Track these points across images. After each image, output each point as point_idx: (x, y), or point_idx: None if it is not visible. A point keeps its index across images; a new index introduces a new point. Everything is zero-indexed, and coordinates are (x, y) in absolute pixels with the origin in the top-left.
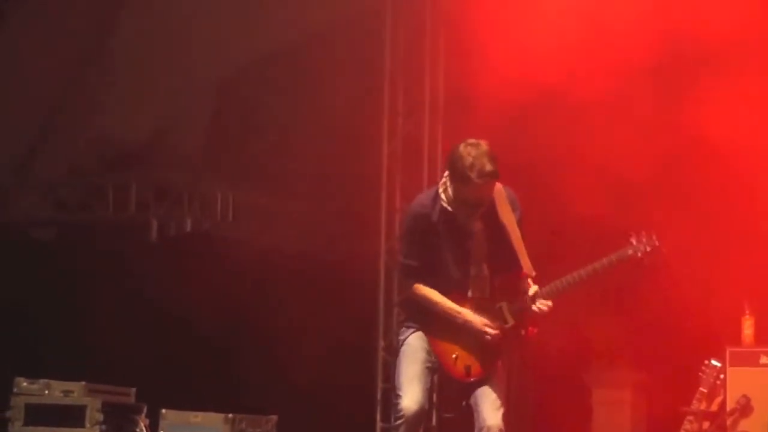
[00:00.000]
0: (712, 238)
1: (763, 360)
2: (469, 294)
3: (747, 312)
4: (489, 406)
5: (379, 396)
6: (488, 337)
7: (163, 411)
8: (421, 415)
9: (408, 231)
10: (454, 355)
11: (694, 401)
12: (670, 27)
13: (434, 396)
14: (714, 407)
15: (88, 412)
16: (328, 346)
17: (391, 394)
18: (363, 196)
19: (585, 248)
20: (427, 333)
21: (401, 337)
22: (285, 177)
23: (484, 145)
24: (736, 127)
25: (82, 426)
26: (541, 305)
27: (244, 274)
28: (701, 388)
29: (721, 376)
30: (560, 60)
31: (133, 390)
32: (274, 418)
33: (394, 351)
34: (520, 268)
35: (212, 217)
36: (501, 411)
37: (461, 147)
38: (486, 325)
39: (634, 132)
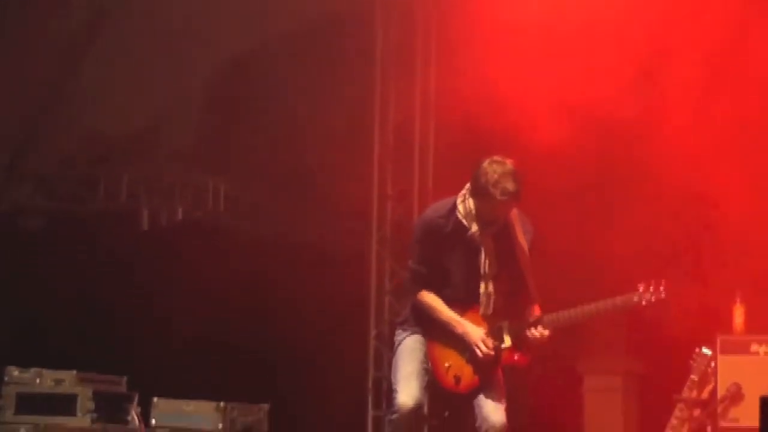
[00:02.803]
0: (703, 227)
1: (754, 348)
2: (473, 309)
3: (738, 300)
4: (491, 405)
5: (370, 384)
6: (479, 353)
7: (155, 399)
8: (417, 411)
9: (420, 237)
10: (447, 364)
11: (685, 389)
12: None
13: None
14: (705, 395)
15: (79, 401)
16: (320, 335)
17: (383, 382)
18: (354, 186)
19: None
20: (424, 336)
21: (398, 338)
22: (276, 167)
23: (509, 164)
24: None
25: (74, 415)
26: (539, 333)
27: (236, 263)
28: (692, 376)
29: (712, 364)
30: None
31: (125, 379)
32: (266, 406)
33: (385, 339)
34: (527, 293)
35: (203, 206)
36: (503, 408)
37: (486, 163)
38: (482, 340)
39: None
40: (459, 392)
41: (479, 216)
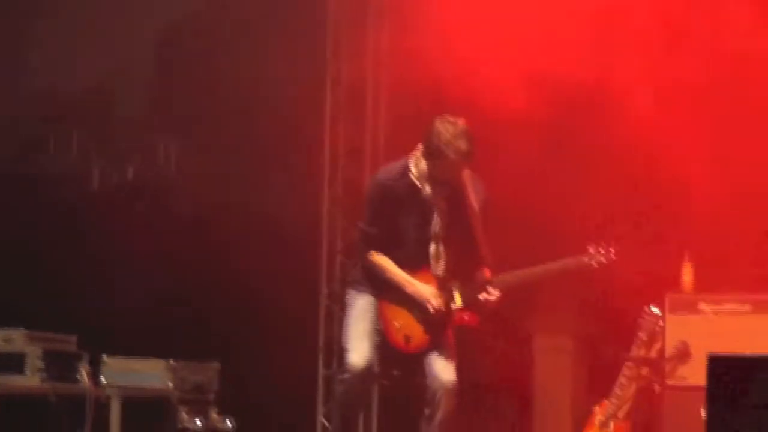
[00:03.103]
0: (653, 188)
1: (702, 307)
2: (424, 270)
3: (687, 260)
4: (441, 363)
5: (321, 343)
6: (431, 309)
7: (105, 358)
8: (369, 371)
9: (372, 199)
10: (397, 324)
11: (634, 347)
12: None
13: None
14: (653, 353)
15: (28, 360)
16: (271, 294)
17: (334, 341)
18: (305, 146)
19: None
20: (374, 297)
21: (349, 298)
22: (226, 128)
23: (461, 123)
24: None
25: (23, 373)
26: (490, 294)
27: (186, 224)
28: (640, 335)
29: (660, 322)
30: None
31: (74, 338)
32: (216, 365)
33: (337, 298)
34: (478, 254)
35: (154, 167)
36: (453, 367)
37: (438, 123)
38: (433, 296)
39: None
40: (409, 352)
41: (432, 177)
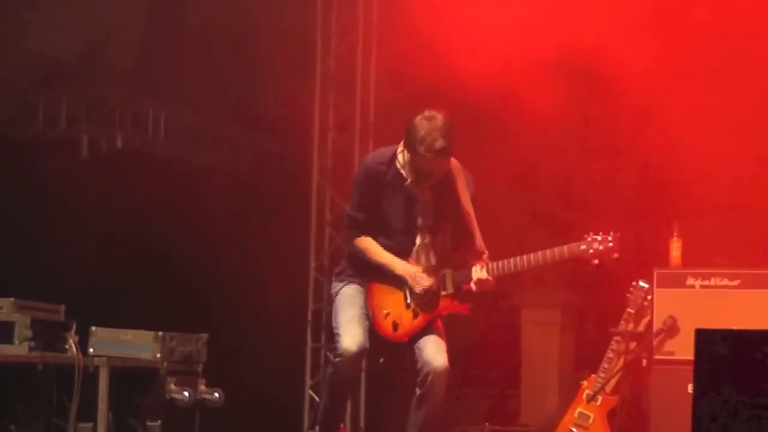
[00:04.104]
0: (642, 161)
1: (690, 281)
2: (411, 262)
3: (675, 234)
4: (432, 348)
5: (309, 316)
6: (419, 289)
7: (93, 328)
8: (361, 355)
9: (360, 183)
10: (385, 311)
11: (622, 322)
12: None
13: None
14: (641, 328)
15: (16, 329)
16: (260, 265)
17: (322, 313)
18: (295, 116)
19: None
20: (362, 285)
21: (336, 288)
22: (217, 96)
23: (440, 119)
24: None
25: (11, 342)
26: (483, 280)
27: (176, 193)
28: (629, 309)
29: (649, 297)
30: None
31: (63, 307)
32: (205, 336)
33: (325, 271)
34: (471, 244)
35: (144, 134)
36: (444, 352)
37: (417, 118)
38: (420, 274)
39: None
40: (397, 339)
41: (415, 168)
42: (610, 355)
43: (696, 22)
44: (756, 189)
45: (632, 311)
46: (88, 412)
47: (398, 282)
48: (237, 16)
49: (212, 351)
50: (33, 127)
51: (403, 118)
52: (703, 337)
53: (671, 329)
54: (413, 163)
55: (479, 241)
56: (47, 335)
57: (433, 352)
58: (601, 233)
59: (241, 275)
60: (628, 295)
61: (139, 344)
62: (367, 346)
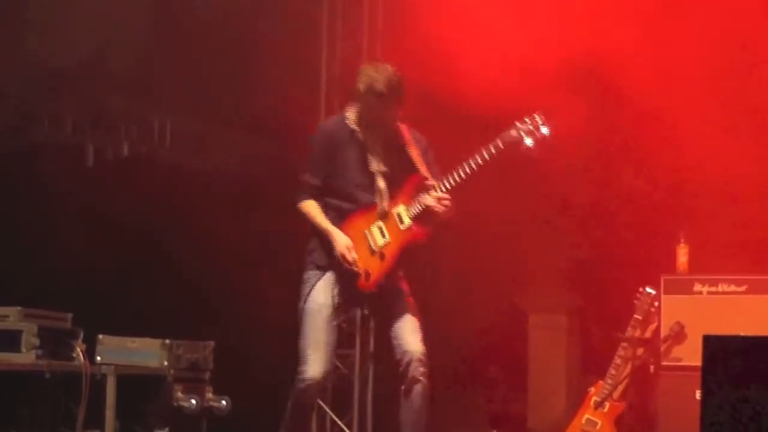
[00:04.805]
0: (648, 166)
1: (697, 288)
2: (372, 209)
3: (682, 240)
4: (409, 333)
5: None
6: (345, 264)
7: (100, 336)
8: (325, 380)
9: (313, 149)
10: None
11: (629, 328)
12: None
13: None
14: (648, 334)
15: (24, 337)
16: (267, 271)
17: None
18: (301, 121)
19: None
20: (329, 265)
21: (308, 281)
22: (222, 102)
23: (389, 67)
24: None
25: (18, 351)
26: (437, 199)
27: (182, 199)
28: (636, 315)
29: (656, 303)
30: None
31: (70, 315)
32: (211, 343)
33: None
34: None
35: (149, 141)
36: (419, 336)
37: (366, 67)
38: (347, 250)
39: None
40: (371, 289)
41: (366, 120)
42: (618, 361)
43: (701, 25)
44: (764, 195)
45: (639, 317)
46: (95, 420)
47: (359, 232)
48: (241, 21)
49: (219, 358)
50: (38, 135)
51: (408, 122)
52: (711, 343)
53: (678, 335)
54: (365, 113)
55: (427, 173)
56: (54, 343)
57: (409, 338)
58: (528, 115)
59: (248, 282)
60: (635, 301)
61: (146, 352)
62: (332, 367)
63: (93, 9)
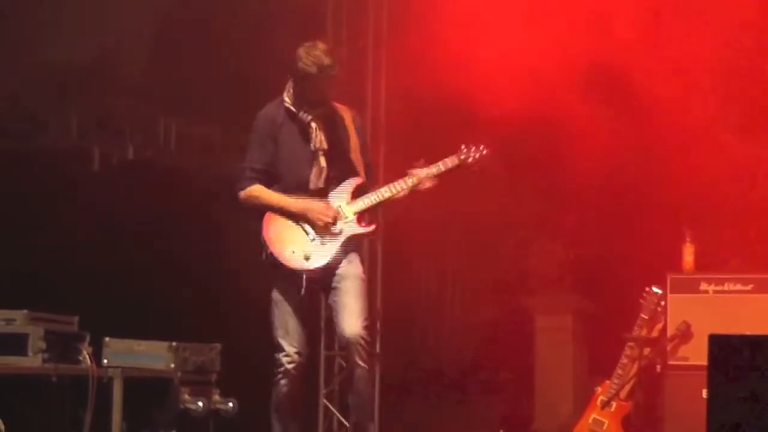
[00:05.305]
0: (653, 165)
1: (703, 287)
2: (312, 188)
3: (688, 239)
4: (347, 315)
5: (322, 324)
6: (324, 219)
7: (107, 339)
8: (303, 366)
9: (253, 135)
10: (291, 249)
11: (636, 327)
12: None
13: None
14: (655, 333)
15: (30, 341)
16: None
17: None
18: None
19: None
20: (267, 235)
21: (271, 283)
22: (227, 106)
23: (321, 44)
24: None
25: (25, 355)
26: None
27: (189, 203)
28: (642, 315)
29: (662, 302)
30: None
31: (76, 318)
32: (218, 346)
33: None
34: (357, 175)
35: (154, 145)
36: (362, 319)
37: (299, 49)
38: (323, 209)
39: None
40: (314, 268)
41: (304, 99)
42: (624, 360)
43: (706, 26)
44: None
45: (646, 317)
46: (102, 423)
47: (299, 217)
48: (246, 26)
49: (226, 360)
50: (44, 139)
51: (413, 125)
52: (717, 342)
53: (685, 335)
54: (302, 93)
55: (362, 169)
56: (61, 347)
57: (349, 318)
58: (472, 144)
59: (255, 284)
60: (641, 300)
61: (152, 354)
62: (307, 351)
63: (99, 14)
